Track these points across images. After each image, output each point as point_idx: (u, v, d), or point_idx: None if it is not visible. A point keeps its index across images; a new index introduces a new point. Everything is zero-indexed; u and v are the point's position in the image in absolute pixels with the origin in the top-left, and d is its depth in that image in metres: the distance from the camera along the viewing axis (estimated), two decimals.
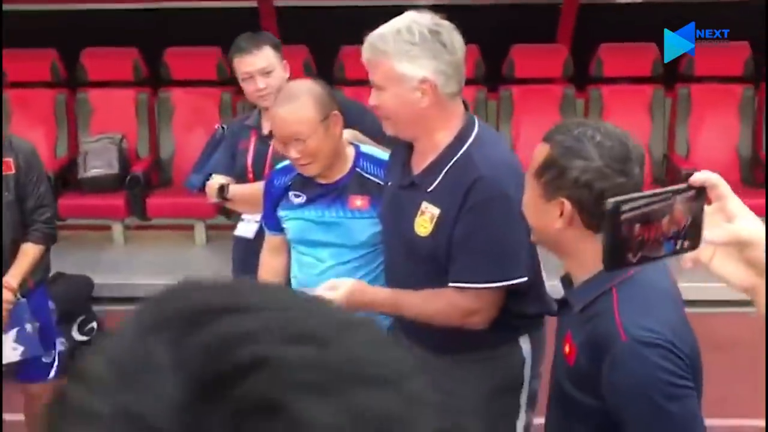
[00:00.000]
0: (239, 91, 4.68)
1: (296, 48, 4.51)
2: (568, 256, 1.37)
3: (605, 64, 4.47)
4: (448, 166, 1.68)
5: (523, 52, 4.63)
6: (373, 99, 1.71)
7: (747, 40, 4.34)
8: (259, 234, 2.46)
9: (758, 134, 4.43)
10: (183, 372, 0.34)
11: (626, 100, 4.52)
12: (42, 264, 2.53)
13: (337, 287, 1.71)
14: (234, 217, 4.17)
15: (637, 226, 0.81)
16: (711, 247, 0.85)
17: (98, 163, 4.41)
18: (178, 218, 4.61)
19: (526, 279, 1.68)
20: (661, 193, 0.82)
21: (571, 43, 4.68)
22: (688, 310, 1.40)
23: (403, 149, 1.80)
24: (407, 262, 1.75)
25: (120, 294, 3.86)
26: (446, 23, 1.65)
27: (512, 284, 1.67)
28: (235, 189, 2.49)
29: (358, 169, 1.97)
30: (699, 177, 0.86)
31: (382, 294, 1.76)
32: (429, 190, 1.70)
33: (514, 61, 4.61)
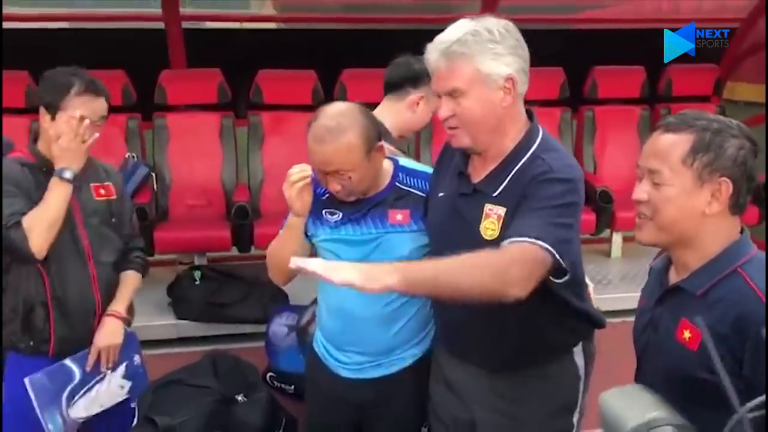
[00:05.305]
0: (146, 118, 4.45)
1: (210, 71, 4.32)
2: (692, 244, 1.38)
3: None
4: (514, 171, 1.63)
5: None
6: (447, 110, 1.63)
7: (642, 65, 4.69)
8: None
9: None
10: None
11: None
12: None
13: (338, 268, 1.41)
14: None
15: None
16: None
17: None
18: None
19: (567, 275, 1.62)
20: None
21: None
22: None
23: (455, 158, 1.75)
24: None
25: None
26: (510, 23, 1.63)
27: (556, 262, 1.55)
28: None
29: (397, 184, 1.88)
30: None
31: (399, 264, 1.47)
32: (494, 194, 1.64)
33: None
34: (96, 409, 2.21)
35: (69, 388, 2.14)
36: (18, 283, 2.14)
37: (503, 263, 1.47)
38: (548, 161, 1.60)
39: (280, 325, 2.75)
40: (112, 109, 4.34)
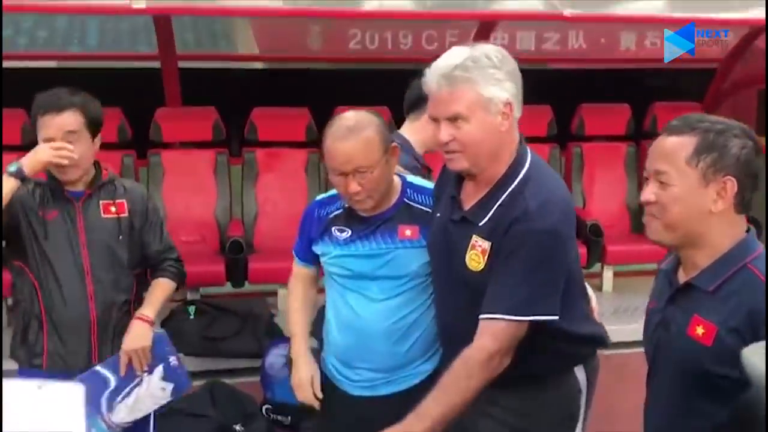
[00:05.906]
0: (141, 155, 4.49)
1: (205, 109, 4.39)
2: (700, 243, 1.42)
3: None
4: (500, 201, 1.67)
5: None
6: (447, 135, 1.67)
7: (628, 103, 4.81)
8: None
9: (642, 186, 4.86)
10: None
11: None
12: None
13: None
14: None
15: None
16: None
17: None
18: None
19: (555, 317, 1.66)
20: None
21: None
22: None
23: (451, 180, 1.79)
24: (459, 295, 1.72)
25: None
26: (504, 50, 1.70)
27: (537, 320, 1.65)
28: None
29: (405, 200, 1.93)
30: None
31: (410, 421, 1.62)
32: (480, 224, 1.68)
33: None
34: (139, 414, 2.21)
35: (107, 394, 2.15)
36: (22, 296, 2.19)
37: (485, 359, 1.61)
38: (530, 200, 1.63)
39: (277, 356, 2.76)
40: (108, 146, 4.44)
